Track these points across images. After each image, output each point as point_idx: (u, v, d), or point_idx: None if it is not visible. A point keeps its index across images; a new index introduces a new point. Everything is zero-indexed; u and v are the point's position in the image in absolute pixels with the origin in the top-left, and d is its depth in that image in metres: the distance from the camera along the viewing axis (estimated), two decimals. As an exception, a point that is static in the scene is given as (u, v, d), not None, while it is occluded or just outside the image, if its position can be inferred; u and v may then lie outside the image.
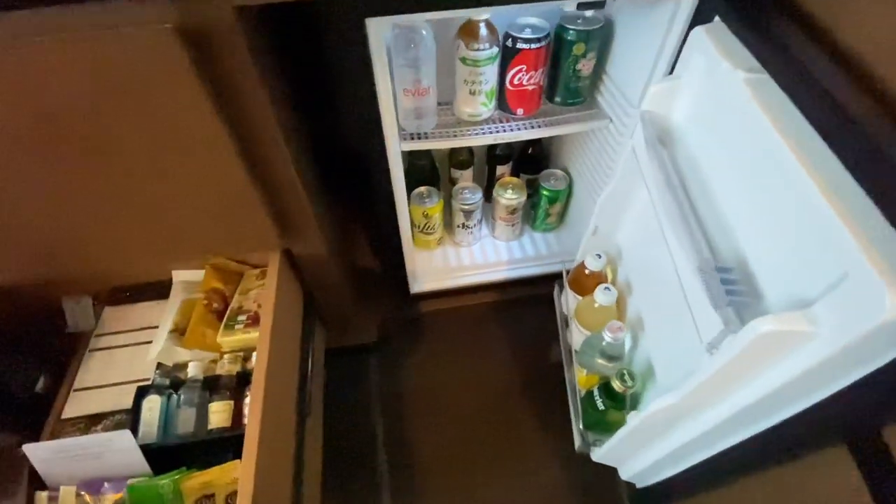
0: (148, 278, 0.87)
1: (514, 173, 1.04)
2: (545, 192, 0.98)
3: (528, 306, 1.06)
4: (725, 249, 0.46)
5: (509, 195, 0.97)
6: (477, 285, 1.03)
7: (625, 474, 0.74)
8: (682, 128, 0.56)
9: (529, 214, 1.08)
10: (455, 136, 0.76)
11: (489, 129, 0.78)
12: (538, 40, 0.69)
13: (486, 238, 1.08)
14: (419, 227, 0.99)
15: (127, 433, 0.60)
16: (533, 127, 0.77)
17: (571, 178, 1.00)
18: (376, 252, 1.09)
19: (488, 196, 1.04)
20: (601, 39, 0.72)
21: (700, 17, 0.54)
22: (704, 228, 0.49)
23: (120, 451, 0.61)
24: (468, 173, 1.02)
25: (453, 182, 1.04)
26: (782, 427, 0.41)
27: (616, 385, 0.63)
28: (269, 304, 0.68)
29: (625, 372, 0.63)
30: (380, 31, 0.55)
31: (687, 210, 0.48)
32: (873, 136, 0.32)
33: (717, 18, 0.51)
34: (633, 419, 0.57)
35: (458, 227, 1.02)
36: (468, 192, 0.97)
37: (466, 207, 0.97)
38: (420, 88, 0.70)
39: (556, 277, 0.99)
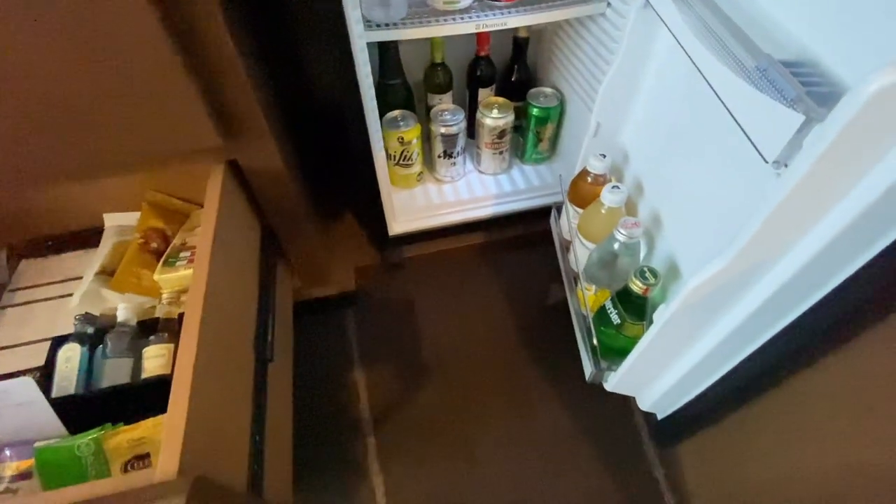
0: (74, 226, 0.73)
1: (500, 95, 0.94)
2: (535, 112, 0.88)
3: (521, 246, 0.95)
4: (780, 52, 0.36)
5: (495, 115, 0.86)
6: (463, 223, 0.92)
7: (644, 403, 0.64)
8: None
9: (518, 144, 0.97)
10: (430, 24, 0.65)
11: (469, 16, 0.66)
12: None
13: (471, 174, 0.97)
14: (395, 157, 0.87)
15: (27, 380, 0.46)
16: (520, 12, 0.67)
17: (563, 96, 0.89)
18: (348, 190, 0.97)
19: (471, 129, 0.93)
20: None
21: None
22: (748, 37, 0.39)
23: (22, 406, 0.48)
24: (447, 97, 0.91)
25: (430, 109, 0.92)
26: (849, 285, 0.31)
27: (636, 285, 0.52)
28: (210, 220, 0.55)
29: (645, 268, 0.53)
30: None
31: (726, 19, 0.38)
32: None
33: None
34: (662, 313, 0.46)
35: (439, 157, 0.91)
36: (448, 113, 0.86)
37: (447, 131, 0.85)
38: (384, -43, 0.59)
39: (549, 213, 0.88)
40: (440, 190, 0.94)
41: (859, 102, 0.24)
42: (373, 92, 0.67)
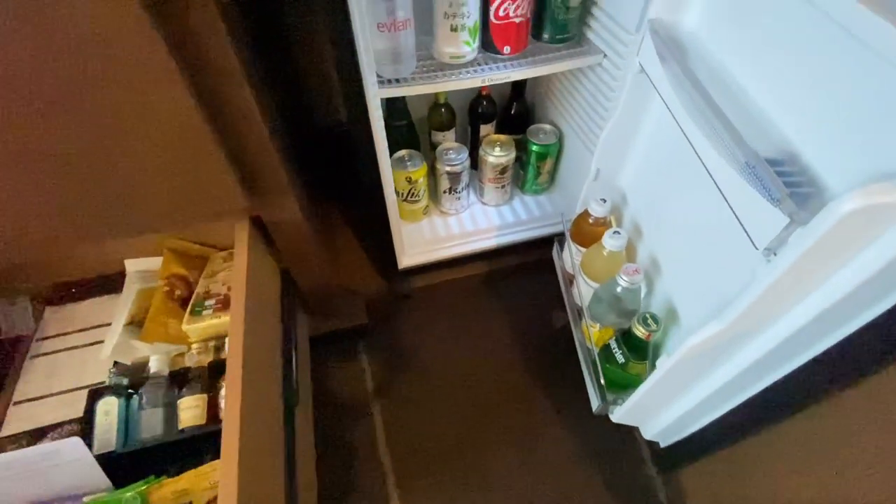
0: (96, 271, 0.75)
1: (499, 133, 0.98)
2: (534, 148, 0.92)
3: (525, 274, 0.99)
4: (767, 145, 0.41)
5: (498, 153, 0.90)
6: (469, 254, 0.96)
7: (647, 433, 0.68)
8: (698, 32, 0.50)
9: (519, 176, 1.01)
10: (438, 79, 0.69)
11: (475, 70, 0.70)
12: (523, -38, 0.62)
13: (474, 205, 1.01)
14: (403, 194, 0.91)
15: (76, 440, 0.49)
16: (522, 66, 0.71)
17: (561, 132, 0.94)
18: (359, 227, 1.01)
19: (474, 161, 0.97)
20: (590, -39, 0.66)
21: None
22: (738, 128, 0.43)
23: (71, 463, 0.51)
24: (450, 135, 0.95)
25: (435, 146, 0.96)
26: (847, 344, 0.36)
27: (639, 331, 0.57)
28: (241, 276, 0.58)
29: (647, 315, 0.57)
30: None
31: (719, 110, 0.42)
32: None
33: None
34: (662, 363, 0.51)
35: (445, 192, 0.94)
36: (453, 152, 0.90)
37: (452, 169, 0.89)
38: (396, 21, 0.62)
39: (550, 241, 0.93)
40: (446, 222, 0.98)
41: (835, 218, 0.29)
42: (385, 144, 0.71)
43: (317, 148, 1.01)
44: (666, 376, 0.51)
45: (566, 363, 0.82)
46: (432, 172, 0.94)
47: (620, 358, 0.62)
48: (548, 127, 0.93)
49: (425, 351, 0.90)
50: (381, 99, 0.66)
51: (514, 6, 0.65)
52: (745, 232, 0.37)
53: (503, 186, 0.96)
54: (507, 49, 0.70)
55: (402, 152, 0.88)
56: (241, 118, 0.52)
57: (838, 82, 0.35)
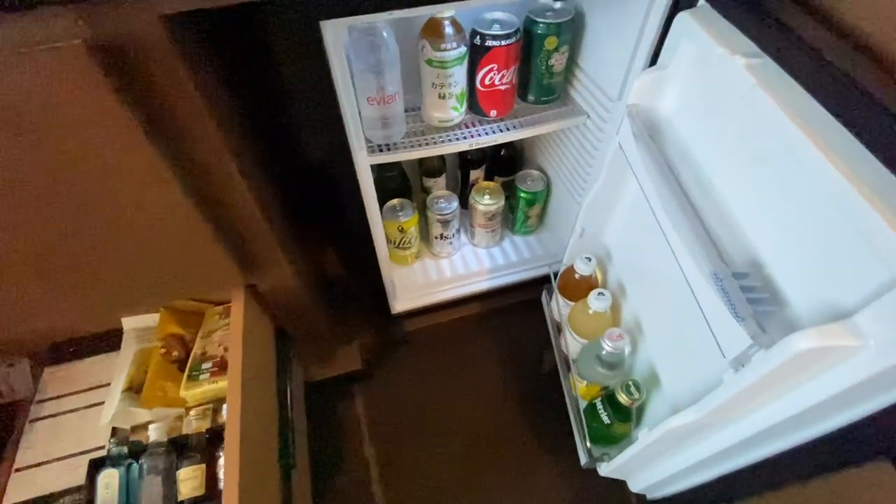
0: (94, 329, 0.77)
1: (489, 177, 1.00)
2: (522, 195, 0.94)
3: (515, 313, 1.01)
4: (734, 249, 0.43)
5: (487, 201, 0.92)
6: (460, 298, 0.98)
7: (635, 487, 0.71)
8: (672, 121, 0.53)
9: (508, 218, 1.03)
10: (427, 144, 0.71)
11: (462, 133, 0.72)
12: (508, 36, 0.64)
13: (465, 246, 1.03)
14: (394, 242, 0.92)
15: (79, 523, 0.51)
16: (509, 129, 0.73)
17: (549, 177, 0.96)
18: (351, 274, 1.02)
19: (464, 202, 0.99)
20: (573, 31, 0.68)
21: (682, 1, 0.51)
22: (707, 227, 0.46)
23: (73, 542, 0.52)
24: (441, 180, 0.97)
25: (426, 191, 0.98)
26: (815, 443, 0.38)
27: (622, 398, 0.59)
28: (237, 350, 0.60)
29: (630, 383, 0.59)
30: (336, 35, 0.48)
31: (689, 209, 0.44)
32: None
33: (701, 2, 0.48)
34: (643, 437, 0.53)
35: (436, 238, 0.96)
36: (443, 201, 0.92)
37: (443, 217, 0.91)
38: (385, 96, 0.64)
39: (540, 281, 0.95)
40: (438, 265, 1.00)
41: (791, 353, 0.31)
42: (375, 198, 0.73)
43: (313, 185, 1.02)
44: (646, 448, 0.54)
45: (558, 405, 0.84)
46: (423, 217, 0.96)
47: (606, 419, 0.64)
48: (535, 173, 0.96)
49: (420, 394, 0.92)
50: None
51: (500, 76, 0.67)
52: (714, 338, 0.39)
53: (493, 231, 0.99)
54: (493, 112, 0.73)
55: (394, 202, 0.90)
56: (235, 206, 0.53)
57: (800, 215, 0.37)
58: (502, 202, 0.93)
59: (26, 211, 0.44)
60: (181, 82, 0.40)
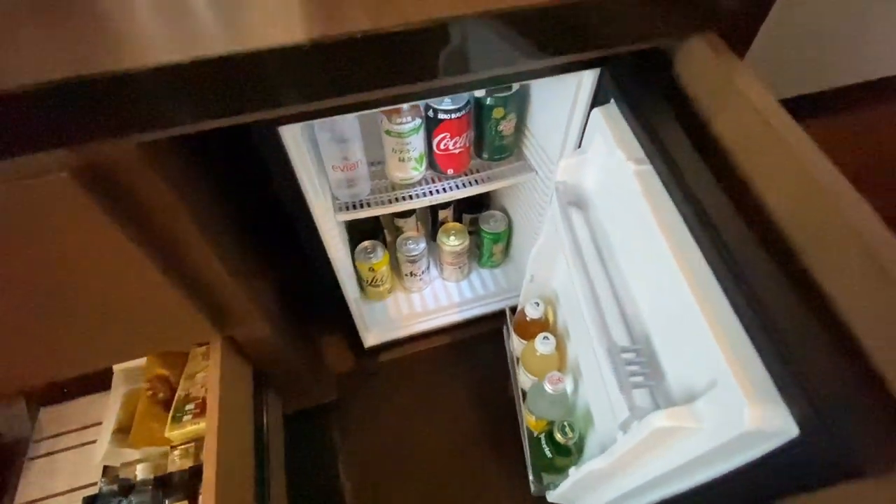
0: (85, 370, 0.83)
1: (457, 215, 1.07)
2: (486, 235, 1.02)
3: (483, 343, 1.08)
4: (634, 321, 0.50)
5: (453, 242, 0.99)
6: (431, 330, 1.05)
7: (583, 509, 0.78)
8: (593, 198, 0.60)
9: (475, 252, 1.10)
10: (391, 201, 0.78)
11: (423, 190, 0.79)
12: (458, 110, 0.71)
13: (436, 280, 1.10)
14: (368, 281, 0.99)
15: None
16: (465, 185, 0.80)
17: (510, 217, 1.03)
18: (326, 310, 1.09)
19: (435, 237, 1.06)
20: (518, 102, 0.75)
21: (600, 96, 0.58)
22: (619, 298, 0.53)
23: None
24: (411, 220, 1.04)
25: (397, 229, 1.05)
26: (699, 491, 0.45)
27: (558, 437, 0.67)
28: (214, 399, 0.67)
29: (565, 424, 0.67)
30: (294, 132, 0.55)
31: (599, 284, 0.52)
32: (729, 243, 0.36)
33: (612, 99, 0.55)
34: (573, 474, 0.60)
35: (406, 275, 1.03)
36: (411, 242, 0.99)
37: (411, 258, 0.98)
38: (349, 164, 0.71)
39: (505, 313, 1.02)
40: (409, 299, 1.07)
41: (649, 429, 0.38)
42: (343, 253, 0.80)
43: (285, 231, 1.09)
44: (575, 484, 0.61)
45: (518, 436, 0.91)
46: (394, 256, 1.03)
47: (548, 453, 0.71)
48: (498, 214, 1.03)
49: (393, 424, 0.99)
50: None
51: (453, 142, 0.75)
52: (609, 401, 0.47)
53: (461, 266, 1.06)
54: (450, 171, 0.80)
55: (366, 244, 0.97)
56: (208, 273, 0.60)
57: (671, 306, 0.43)
58: (467, 242, 1.00)
59: (14, 291, 0.51)
60: (159, 191, 0.46)
